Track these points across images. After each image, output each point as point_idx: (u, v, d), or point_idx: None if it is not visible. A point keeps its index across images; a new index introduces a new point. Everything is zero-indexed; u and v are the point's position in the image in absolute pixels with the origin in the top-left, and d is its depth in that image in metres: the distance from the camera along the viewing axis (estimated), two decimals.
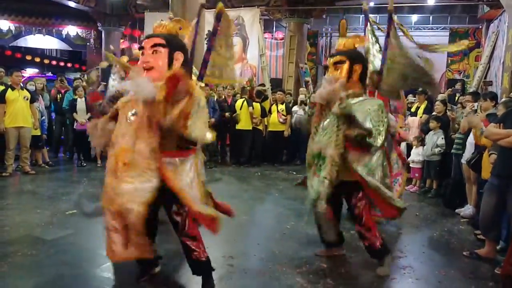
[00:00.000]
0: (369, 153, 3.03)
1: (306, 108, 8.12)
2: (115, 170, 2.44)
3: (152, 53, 2.56)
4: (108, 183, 2.49)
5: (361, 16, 14.46)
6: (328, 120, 3.05)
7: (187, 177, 2.56)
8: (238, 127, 7.92)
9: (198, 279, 2.79)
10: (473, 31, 12.51)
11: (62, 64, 17.22)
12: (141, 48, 2.63)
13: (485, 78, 9.77)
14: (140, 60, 2.61)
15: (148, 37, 2.66)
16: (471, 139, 4.65)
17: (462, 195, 5.09)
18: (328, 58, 3.25)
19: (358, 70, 3.11)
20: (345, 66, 3.09)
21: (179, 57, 2.62)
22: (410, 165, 6.42)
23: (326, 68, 3.26)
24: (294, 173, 7.28)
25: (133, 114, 2.50)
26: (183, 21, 2.74)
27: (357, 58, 3.16)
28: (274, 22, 14.70)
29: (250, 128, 7.88)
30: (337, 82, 2.99)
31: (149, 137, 2.45)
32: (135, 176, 2.40)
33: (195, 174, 2.62)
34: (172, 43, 2.61)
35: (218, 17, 2.90)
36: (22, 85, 6.58)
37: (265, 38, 13.29)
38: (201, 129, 2.40)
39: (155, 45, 2.56)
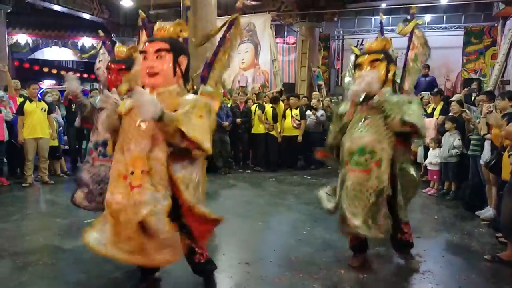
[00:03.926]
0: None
1: (318, 113, 8.14)
2: (125, 176, 2.45)
3: (157, 58, 2.50)
4: (117, 191, 2.47)
5: (373, 18, 14.46)
6: (370, 118, 3.08)
7: (194, 181, 2.55)
8: (253, 131, 8.00)
9: (200, 281, 2.87)
10: (488, 29, 12.29)
11: (78, 75, 17.52)
12: (142, 52, 2.57)
13: (502, 77, 9.59)
14: (143, 65, 2.55)
15: (151, 41, 2.58)
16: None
17: (482, 197, 4.99)
18: (361, 56, 3.24)
19: (393, 70, 3.19)
20: (383, 64, 3.15)
21: (183, 61, 2.59)
22: (428, 167, 6.33)
23: (357, 66, 3.24)
24: (309, 177, 7.25)
25: (143, 121, 2.45)
26: (183, 24, 2.69)
27: (391, 58, 3.23)
28: (286, 27, 14.71)
29: (263, 131, 7.93)
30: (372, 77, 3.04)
31: (165, 144, 2.44)
32: (155, 184, 2.42)
33: (200, 179, 2.60)
34: (176, 47, 2.57)
35: (230, 25, 2.88)
36: (39, 96, 6.73)
37: (277, 43, 13.32)
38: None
39: (159, 50, 2.50)
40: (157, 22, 2.72)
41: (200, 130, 2.40)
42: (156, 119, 2.28)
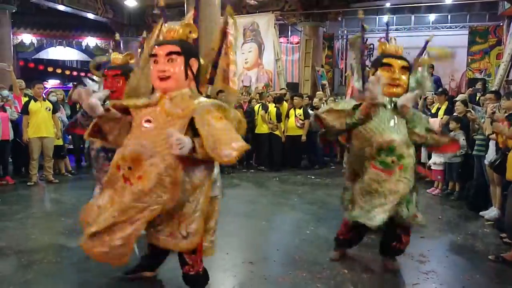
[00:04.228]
0: None
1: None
2: (119, 167, 2.44)
3: (168, 61, 2.44)
4: (117, 179, 2.46)
5: (377, 18, 14.41)
6: (398, 120, 3.05)
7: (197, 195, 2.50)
8: (256, 131, 8.02)
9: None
10: (493, 29, 12.20)
11: (82, 74, 17.62)
12: (152, 55, 2.52)
13: (507, 76, 9.52)
14: (154, 69, 2.51)
15: (161, 44, 2.53)
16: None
17: (486, 197, 4.97)
18: (389, 57, 3.14)
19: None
20: (407, 73, 3.16)
21: (194, 63, 2.55)
22: (432, 167, 6.31)
23: (384, 65, 3.12)
24: (313, 177, 7.24)
25: (147, 121, 2.43)
26: (192, 26, 2.64)
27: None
28: (289, 27, 14.70)
29: (267, 131, 7.95)
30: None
31: (165, 151, 2.35)
32: (147, 190, 2.36)
33: (207, 180, 2.55)
34: (187, 50, 2.52)
35: (226, 20, 2.79)
36: (44, 96, 6.77)
37: (281, 42, 13.31)
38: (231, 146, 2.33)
39: (170, 53, 2.44)
40: (166, 24, 2.67)
41: (224, 135, 2.33)
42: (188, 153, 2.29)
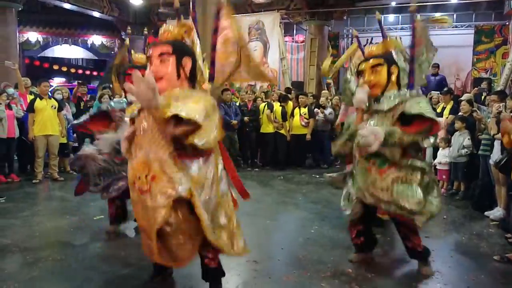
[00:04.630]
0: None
1: (326, 111, 8.13)
2: (134, 182, 2.45)
3: (160, 62, 2.44)
4: (137, 200, 2.49)
5: (383, 17, 14.32)
6: (376, 121, 3.04)
7: (206, 185, 2.50)
8: (261, 130, 8.02)
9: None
10: (499, 28, 12.12)
11: (88, 72, 17.69)
12: (148, 57, 2.53)
13: None
14: (149, 71, 2.48)
15: (154, 45, 2.54)
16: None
17: (491, 197, 4.95)
18: (362, 63, 3.19)
19: (395, 72, 3.13)
20: (384, 69, 3.09)
21: (187, 62, 2.52)
22: (437, 167, 6.28)
23: (360, 73, 3.19)
24: (317, 176, 7.23)
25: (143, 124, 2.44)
26: (188, 25, 2.63)
27: (393, 60, 3.17)
28: (295, 25, 14.68)
29: (272, 131, 7.95)
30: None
31: (165, 142, 2.37)
32: (166, 185, 2.35)
33: (215, 176, 2.58)
34: (179, 49, 2.50)
35: (217, 15, 2.75)
36: (49, 94, 6.81)
37: (286, 41, 13.29)
38: (209, 135, 2.31)
39: (162, 53, 2.45)
40: (164, 24, 2.68)
41: (196, 111, 2.26)
42: (154, 105, 2.23)
